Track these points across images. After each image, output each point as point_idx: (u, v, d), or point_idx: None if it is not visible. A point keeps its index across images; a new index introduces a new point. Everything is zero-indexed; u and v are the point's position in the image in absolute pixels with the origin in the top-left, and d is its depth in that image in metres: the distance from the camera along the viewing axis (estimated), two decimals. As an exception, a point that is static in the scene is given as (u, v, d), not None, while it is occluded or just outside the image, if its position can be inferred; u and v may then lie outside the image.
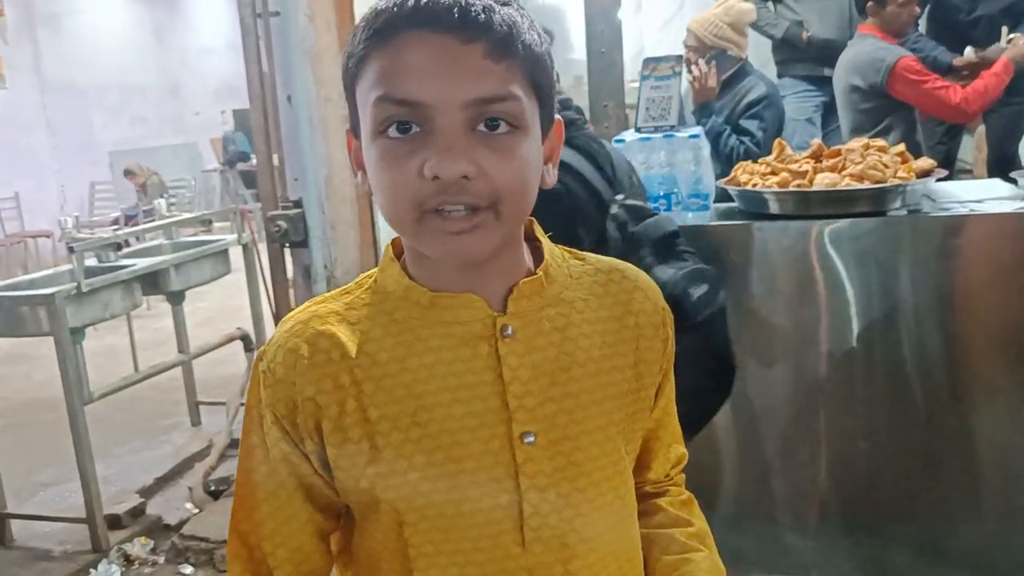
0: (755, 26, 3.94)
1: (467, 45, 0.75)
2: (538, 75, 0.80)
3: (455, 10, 0.74)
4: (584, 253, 0.95)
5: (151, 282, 3.79)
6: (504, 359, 0.83)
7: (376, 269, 0.89)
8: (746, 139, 3.11)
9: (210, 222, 4.82)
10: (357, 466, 0.83)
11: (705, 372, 1.67)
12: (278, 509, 0.88)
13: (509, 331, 0.84)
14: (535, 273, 0.87)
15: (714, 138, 2.97)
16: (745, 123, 3.15)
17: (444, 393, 0.83)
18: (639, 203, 1.77)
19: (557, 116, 0.87)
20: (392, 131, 0.77)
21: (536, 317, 0.86)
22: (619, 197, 1.74)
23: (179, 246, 4.16)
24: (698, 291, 1.64)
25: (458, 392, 0.83)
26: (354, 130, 0.84)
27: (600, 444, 0.87)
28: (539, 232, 0.91)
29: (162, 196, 7.49)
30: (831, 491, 2.16)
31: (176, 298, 4.07)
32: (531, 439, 0.83)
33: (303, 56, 4.50)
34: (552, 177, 0.87)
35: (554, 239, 0.93)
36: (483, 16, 0.75)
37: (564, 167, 1.58)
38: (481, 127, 0.76)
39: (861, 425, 2.10)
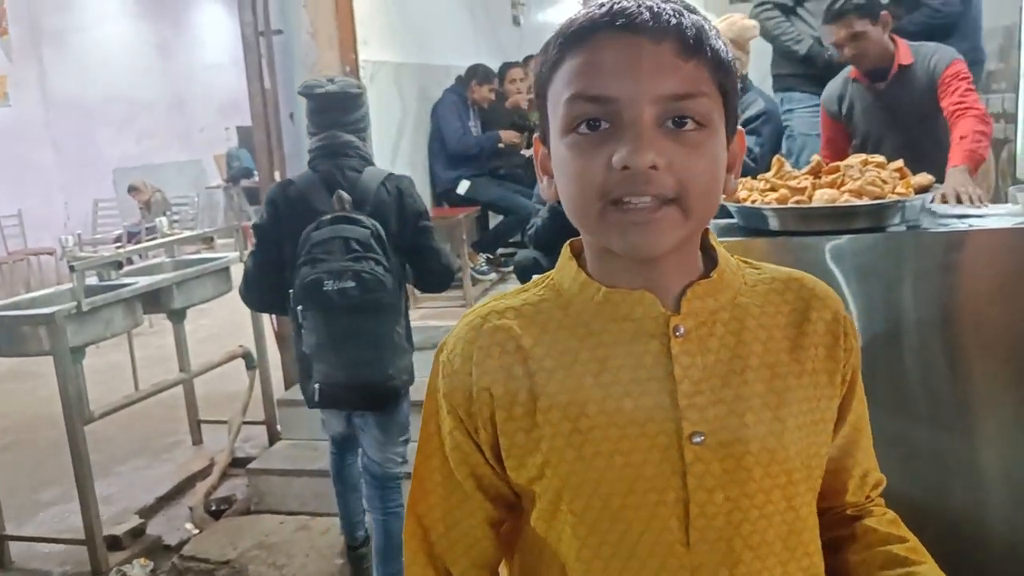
0: (777, 42, 3.98)
1: (658, 44, 0.79)
2: (724, 80, 0.83)
3: (646, 12, 0.79)
4: (760, 263, 0.96)
5: (152, 300, 3.79)
6: (676, 358, 0.85)
7: (555, 269, 0.93)
8: (745, 156, 3.07)
9: (212, 239, 4.80)
10: (528, 454, 0.87)
11: None
12: (451, 494, 0.92)
13: (681, 331, 0.85)
14: (710, 276, 0.88)
15: None
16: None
17: (615, 387, 0.85)
18: None
19: (739, 127, 0.89)
20: (583, 127, 0.81)
21: (709, 319, 0.87)
22: None
23: (181, 264, 4.16)
24: None
25: (629, 387, 0.85)
26: (542, 137, 0.88)
27: (771, 450, 0.86)
28: (714, 240, 0.92)
29: (165, 213, 7.52)
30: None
31: (177, 316, 4.06)
32: (700, 439, 0.84)
33: (306, 73, 4.54)
34: (734, 186, 0.89)
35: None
36: (674, 19, 0.79)
37: None
38: (669, 123, 0.80)
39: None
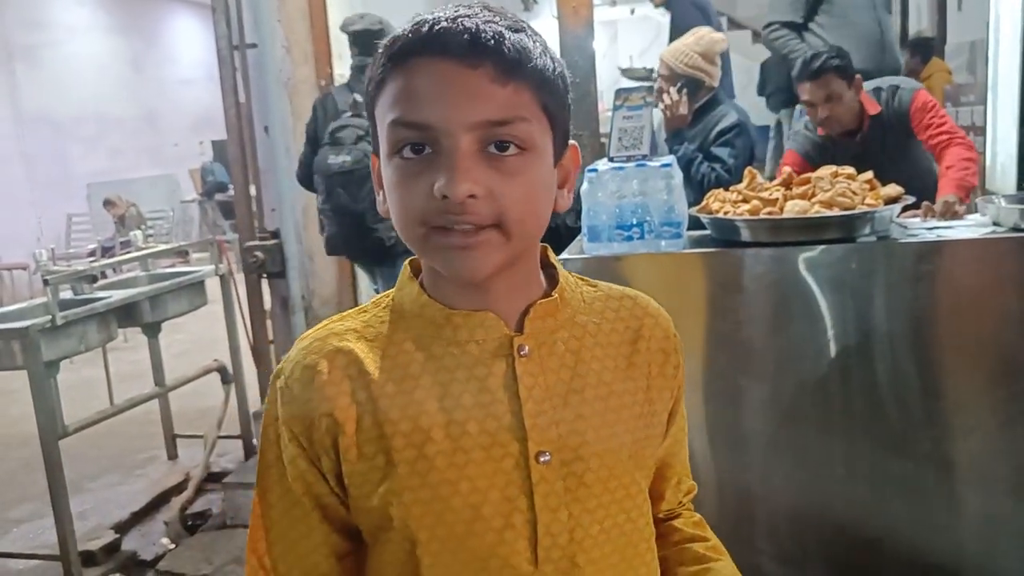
0: (788, 60, 3.97)
1: (475, 70, 0.78)
2: (549, 99, 0.82)
3: (465, 36, 0.77)
4: (596, 280, 0.98)
5: (127, 314, 3.77)
6: (520, 378, 0.85)
7: (394, 288, 0.92)
8: (717, 166, 3.16)
9: (186, 253, 4.78)
10: (370, 483, 0.84)
11: None
12: (292, 528, 0.88)
13: (525, 350, 0.86)
14: (551, 295, 0.89)
15: (686, 165, 3.01)
16: (716, 150, 3.20)
17: (458, 411, 0.84)
18: None
19: (572, 141, 0.89)
20: (406, 151, 0.80)
21: (550, 339, 0.88)
22: None
23: (155, 278, 4.14)
24: None
25: (472, 411, 0.84)
26: (376, 152, 0.87)
27: (610, 466, 0.88)
28: (553, 258, 0.93)
29: (140, 228, 7.46)
30: (808, 516, 2.16)
31: (152, 330, 4.04)
32: (546, 458, 0.84)
33: (280, 87, 4.54)
34: (566, 201, 0.89)
35: None
36: (492, 42, 0.78)
37: None
38: (491, 149, 0.79)
39: (838, 449, 2.11)
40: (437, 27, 0.78)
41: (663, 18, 9.16)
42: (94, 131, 11.38)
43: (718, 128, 3.24)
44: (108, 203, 9.74)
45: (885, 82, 3.06)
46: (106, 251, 8.52)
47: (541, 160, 0.82)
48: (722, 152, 3.19)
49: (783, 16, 4.09)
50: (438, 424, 0.84)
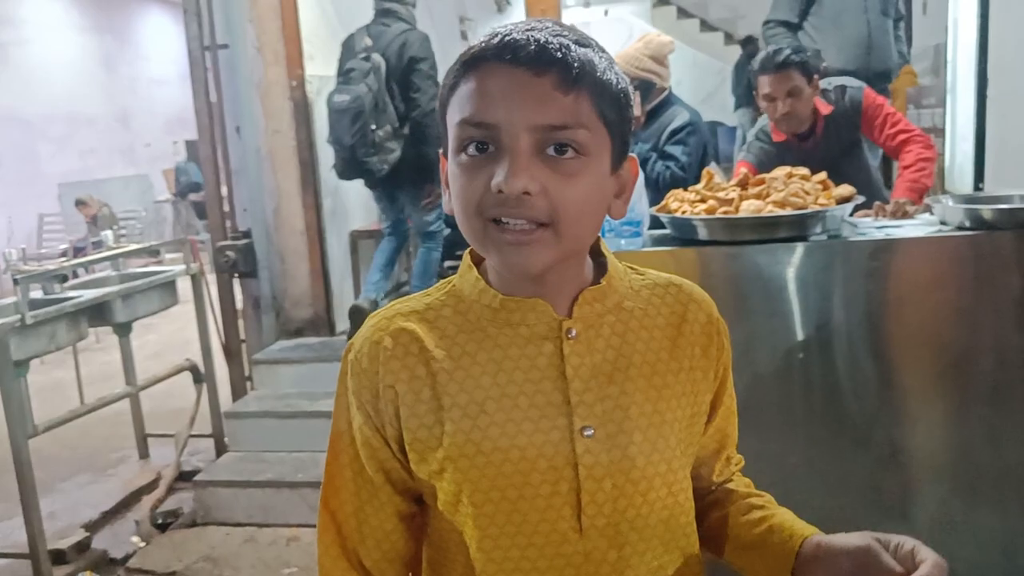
0: None
1: (539, 77, 0.84)
2: (609, 111, 0.88)
3: (533, 46, 0.84)
4: (645, 269, 1.04)
5: (97, 314, 3.77)
6: (567, 358, 0.92)
7: (456, 275, 0.99)
8: (671, 164, 3.26)
9: (158, 253, 4.78)
10: (429, 449, 0.92)
11: None
12: (361, 489, 0.97)
13: (573, 333, 0.93)
14: (599, 283, 0.95)
15: (641, 164, 3.07)
16: (670, 149, 3.30)
17: (511, 386, 0.91)
18: None
19: (632, 154, 0.95)
20: (471, 149, 0.87)
21: (598, 322, 0.94)
22: None
23: (126, 277, 4.14)
24: None
25: (524, 386, 0.91)
26: (445, 152, 0.94)
27: (652, 441, 0.94)
28: (605, 248, 0.99)
29: (112, 228, 7.43)
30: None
31: (123, 330, 4.04)
32: (590, 432, 0.91)
33: (251, 88, 4.57)
34: (622, 210, 0.95)
35: None
36: (558, 53, 0.85)
37: None
38: (550, 151, 0.86)
39: (794, 444, 2.16)
40: (508, 37, 0.86)
41: (636, 20, 9.25)
42: (66, 130, 11.30)
43: (671, 127, 3.33)
44: (80, 203, 9.68)
45: (831, 83, 3.09)
46: (78, 251, 8.48)
47: (597, 166, 0.88)
48: (675, 150, 3.29)
49: (780, 15, 4.22)
50: (491, 397, 0.91)
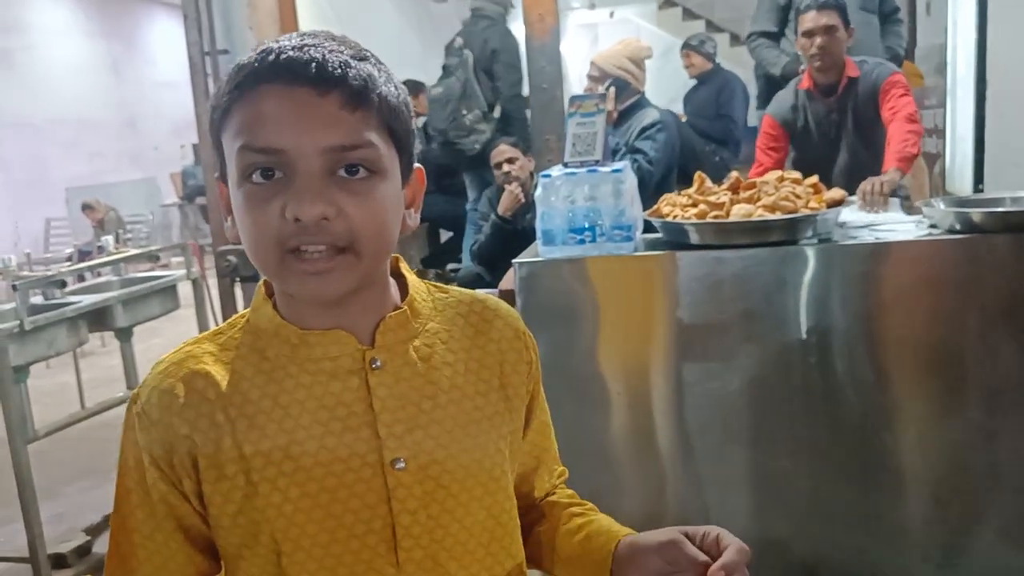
0: (761, 66, 4.33)
1: (323, 97, 0.80)
2: (395, 124, 0.85)
3: (312, 65, 0.80)
4: (448, 286, 1.01)
5: (98, 319, 3.78)
6: (374, 390, 0.88)
7: (249, 309, 0.93)
8: (639, 157, 3.42)
9: (158, 258, 4.80)
10: (232, 502, 0.86)
11: None
12: (155, 553, 0.89)
13: (378, 363, 0.89)
14: (401, 307, 0.92)
15: (611, 158, 3.20)
16: (639, 144, 3.49)
17: (316, 427, 0.87)
18: None
19: (417, 164, 0.92)
20: (256, 176, 0.82)
21: (402, 349, 0.91)
22: None
23: (128, 282, 4.15)
24: None
25: (330, 425, 0.87)
26: (223, 178, 0.88)
27: (466, 466, 0.91)
28: (404, 268, 0.96)
29: (118, 232, 7.47)
30: (757, 512, 2.21)
31: (124, 335, 4.05)
32: (401, 465, 0.87)
33: (253, 92, 4.58)
34: (414, 221, 0.93)
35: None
36: (339, 70, 0.80)
37: None
38: (341, 172, 0.82)
39: (784, 446, 2.16)
40: (283, 56, 0.80)
41: (642, 21, 9.25)
42: (73, 135, 11.37)
43: (641, 125, 3.53)
44: (87, 207, 9.73)
45: (871, 60, 3.27)
46: (84, 255, 8.51)
47: (389, 182, 0.85)
48: (644, 145, 3.48)
49: (760, 27, 4.32)
50: (296, 441, 0.86)
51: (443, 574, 0.90)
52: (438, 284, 1.01)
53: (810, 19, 3.09)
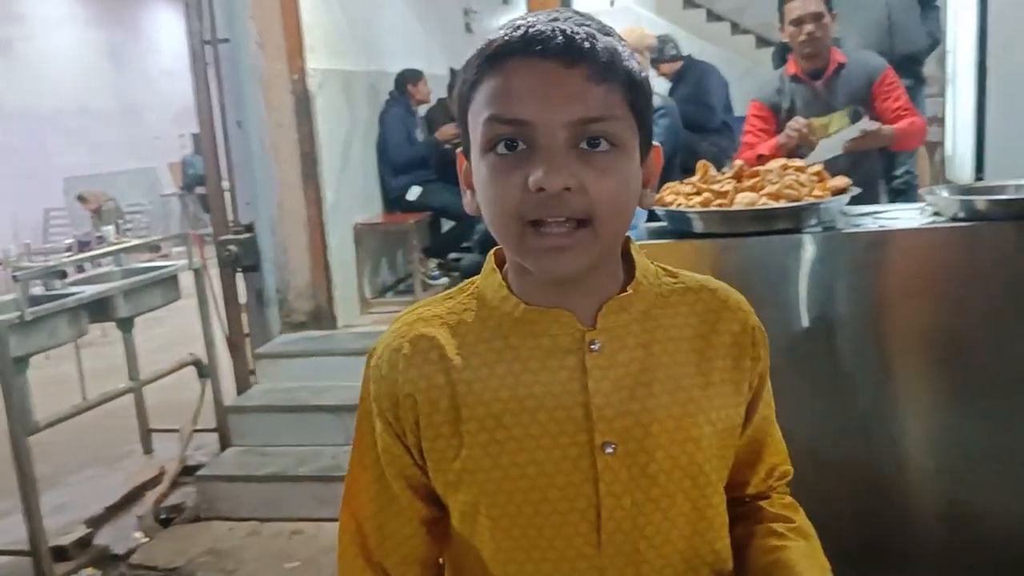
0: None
1: (570, 69, 0.81)
2: (637, 100, 0.86)
3: (560, 38, 0.81)
4: (678, 271, 0.99)
5: (99, 309, 3.78)
6: (590, 372, 0.88)
7: (480, 276, 0.96)
8: None
9: (159, 248, 4.80)
10: (446, 459, 0.90)
11: None
12: (382, 494, 0.95)
13: (596, 345, 0.89)
14: (626, 290, 0.91)
15: None
16: None
17: (530, 400, 0.88)
18: None
19: (655, 143, 0.92)
20: (500, 148, 0.83)
21: (622, 332, 0.91)
22: None
23: (128, 273, 4.15)
24: None
25: (543, 399, 0.88)
26: (465, 151, 0.91)
27: (675, 458, 0.90)
28: (634, 250, 0.95)
29: (117, 222, 7.46)
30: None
31: (125, 325, 4.06)
32: (611, 449, 0.88)
33: (254, 82, 4.57)
34: (650, 200, 0.93)
35: None
36: (587, 44, 0.82)
37: None
38: (583, 145, 0.82)
39: (793, 434, 2.15)
40: (532, 30, 0.82)
41: (642, 9, 9.21)
42: (74, 124, 11.34)
43: None
44: (81, 198, 9.72)
45: (858, 53, 3.32)
46: (83, 245, 8.51)
47: (630, 158, 0.85)
48: None
49: None
50: (510, 411, 0.88)
51: (640, 561, 0.90)
52: (668, 268, 0.99)
53: (798, 7, 3.07)
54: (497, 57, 0.83)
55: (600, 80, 0.82)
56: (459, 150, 0.93)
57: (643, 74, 0.88)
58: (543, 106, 0.81)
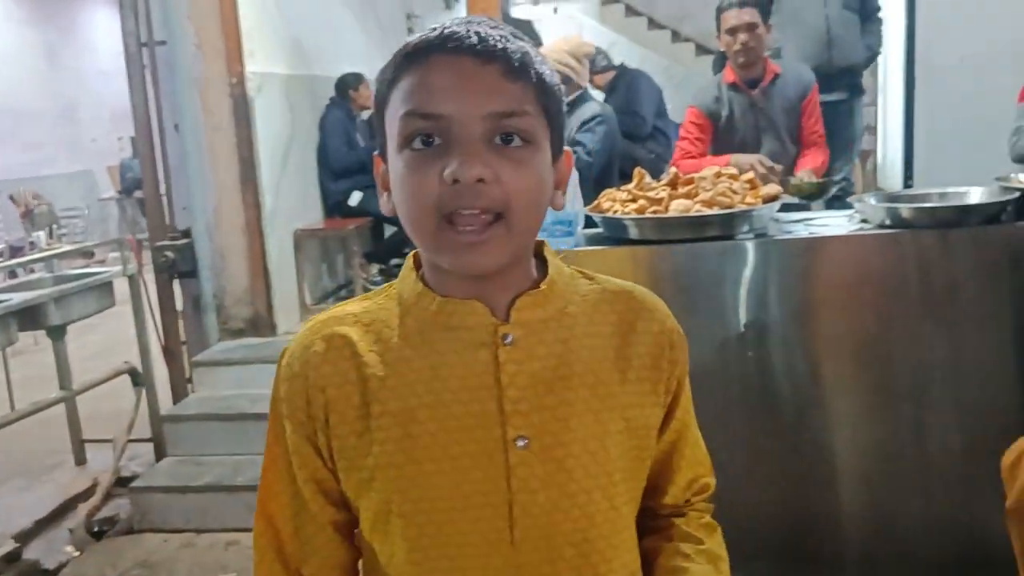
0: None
1: (485, 65, 0.84)
2: (549, 102, 0.88)
3: (474, 38, 0.84)
4: (596, 275, 1.00)
5: (29, 317, 3.68)
6: (503, 365, 0.89)
7: (398, 279, 0.96)
8: (579, 149, 3.49)
9: (92, 254, 4.69)
10: (359, 457, 0.90)
11: None
12: (294, 498, 0.95)
13: (509, 339, 0.89)
14: (540, 287, 0.92)
15: None
16: (579, 136, 3.55)
17: (445, 393, 0.89)
18: None
19: (567, 147, 0.94)
20: (417, 143, 0.85)
21: (538, 327, 0.91)
22: None
23: (61, 279, 4.05)
24: None
25: (459, 393, 0.89)
26: (381, 153, 0.92)
27: (593, 453, 0.91)
28: (548, 252, 0.96)
29: (51, 225, 7.29)
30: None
31: (57, 333, 3.95)
32: (524, 443, 0.88)
33: (191, 85, 4.49)
34: (560, 202, 0.94)
35: None
36: (500, 44, 0.85)
37: None
38: (497, 140, 0.84)
39: (725, 439, 2.18)
40: (448, 30, 0.85)
41: (585, 17, 9.28)
42: (8, 125, 11.02)
43: (581, 119, 3.60)
44: (11, 198, 9.45)
45: (789, 63, 3.41)
46: (15, 251, 8.28)
47: (542, 155, 0.87)
48: (584, 137, 3.55)
49: None
50: (425, 405, 0.88)
51: (556, 558, 0.89)
52: (585, 272, 1.00)
53: (732, 16, 3.15)
54: (415, 55, 0.86)
55: (514, 78, 0.84)
56: (376, 153, 0.94)
57: (556, 79, 0.90)
58: (459, 100, 0.83)
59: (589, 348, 0.93)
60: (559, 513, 0.89)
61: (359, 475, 0.90)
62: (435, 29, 0.86)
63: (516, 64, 0.84)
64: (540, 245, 0.96)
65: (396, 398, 0.89)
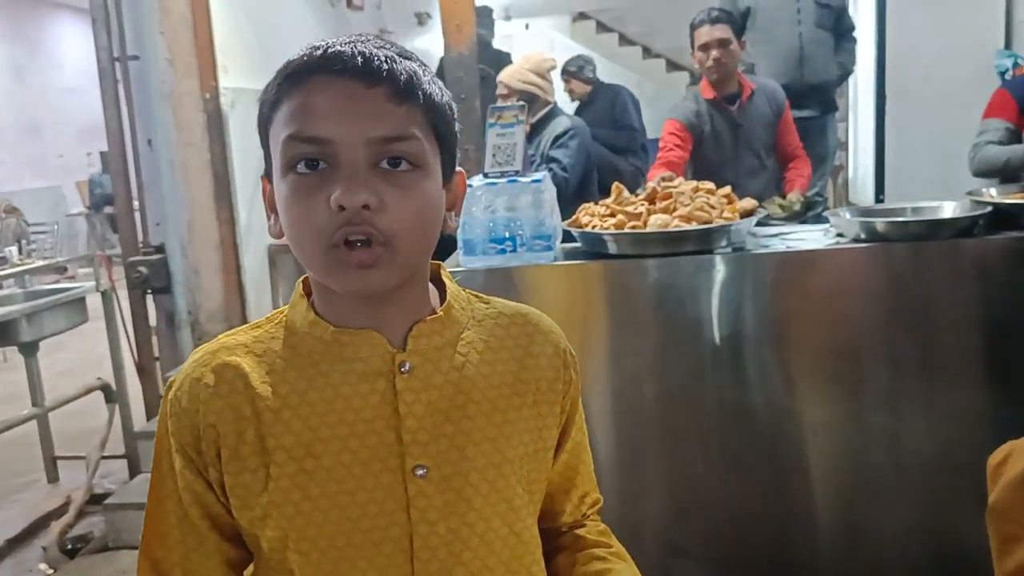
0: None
1: (370, 89, 0.82)
2: (439, 123, 0.87)
3: (359, 58, 0.82)
4: (491, 297, 1.00)
5: (1, 333, 3.65)
6: (400, 394, 0.88)
7: (288, 305, 0.93)
8: (554, 166, 3.50)
9: (65, 269, 4.65)
10: (253, 494, 0.87)
11: None
12: (187, 536, 0.90)
13: (407, 367, 0.88)
14: (437, 313, 0.91)
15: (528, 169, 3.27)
16: (553, 152, 3.57)
17: (341, 426, 0.87)
18: None
19: (460, 168, 0.93)
20: (301, 167, 0.83)
21: (435, 355, 0.90)
22: None
23: (32, 295, 4.01)
24: None
25: (354, 426, 0.87)
26: (267, 174, 0.89)
27: (492, 481, 0.90)
28: (446, 276, 0.96)
29: (20, 241, 7.19)
30: (685, 513, 2.25)
31: (28, 349, 3.91)
32: (422, 472, 0.87)
33: (163, 100, 4.47)
34: (454, 224, 0.93)
35: None
36: (385, 65, 0.82)
37: None
38: (384, 164, 0.83)
39: (701, 452, 2.21)
40: (331, 50, 0.82)
41: (556, 33, 9.34)
42: (-28, 142, 10.89)
43: (554, 134, 3.61)
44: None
45: (759, 79, 3.46)
46: (-16, 267, 8.16)
47: (431, 179, 0.86)
48: (558, 153, 3.56)
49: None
50: (320, 439, 0.86)
51: None
52: (480, 295, 1.00)
53: (705, 33, 3.20)
54: (296, 76, 0.83)
55: (400, 101, 0.83)
56: (262, 175, 0.92)
57: (446, 99, 0.89)
58: (343, 124, 0.81)
59: (486, 376, 0.93)
60: (459, 543, 0.89)
61: (251, 513, 0.87)
62: (318, 47, 0.83)
63: (402, 86, 0.83)
64: (438, 268, 0.96)
65: (290, 432, 0.87)
